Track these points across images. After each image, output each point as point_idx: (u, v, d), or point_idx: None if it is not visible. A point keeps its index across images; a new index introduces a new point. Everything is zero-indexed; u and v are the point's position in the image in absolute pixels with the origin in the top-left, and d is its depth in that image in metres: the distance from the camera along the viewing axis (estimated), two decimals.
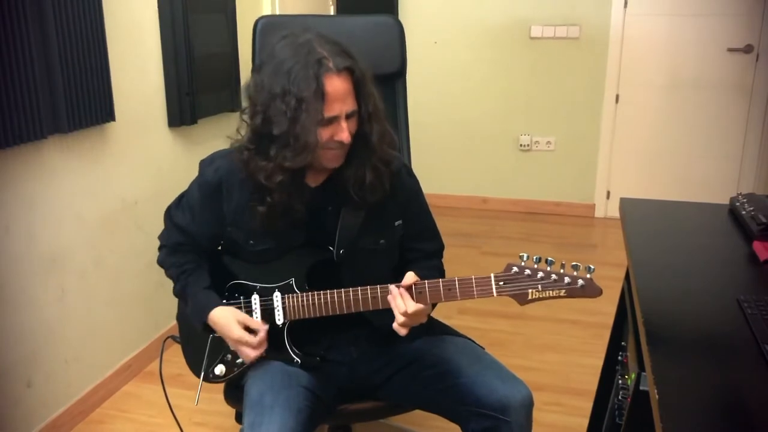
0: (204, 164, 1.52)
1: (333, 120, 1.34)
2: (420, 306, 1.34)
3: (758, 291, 1.27)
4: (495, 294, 1.31)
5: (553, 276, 1.29)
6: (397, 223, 1.54)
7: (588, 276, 1.28)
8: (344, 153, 1.41)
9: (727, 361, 1.05)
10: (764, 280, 1.33)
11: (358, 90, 1.37)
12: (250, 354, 1.44)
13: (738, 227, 1.60)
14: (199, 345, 1.55)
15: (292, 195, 1.40)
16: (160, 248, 1.61)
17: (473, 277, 1.32)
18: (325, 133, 1.35)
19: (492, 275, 1.31)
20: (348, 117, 1.36)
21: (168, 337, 1.67)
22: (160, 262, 1.60)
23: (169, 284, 1.57)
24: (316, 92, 1.30)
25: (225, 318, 1.45)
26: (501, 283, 1.31)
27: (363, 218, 1.48)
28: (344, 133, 1.35)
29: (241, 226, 1.48)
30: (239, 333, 1.43)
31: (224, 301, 1.49)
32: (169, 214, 1.59)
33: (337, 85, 1.32)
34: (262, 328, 1.44)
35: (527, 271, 1.30)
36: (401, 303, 1.34)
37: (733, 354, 1.06)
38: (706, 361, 1.05)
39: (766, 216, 1.52)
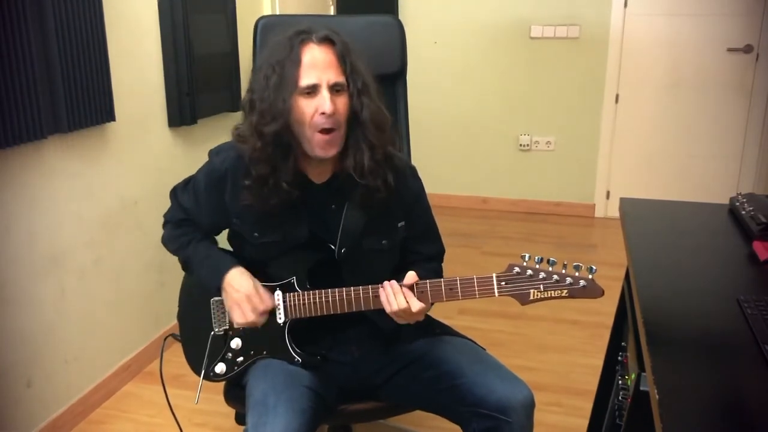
0: (212, 153, 1.53)
1: (314, 90, 1.34)
2: (422, 305, 1.34)
3: (758, 291, 1.27)
4: (497, 294, 1.31)
5: (555, 276, 1.29)
6: (400, 225, 1.54)
7: (590, 276, 1.28)
8: (337, 138, 1.38)
9: (727, 361, 1.05)
10: (764, 280, 1.33)
11: (345, 64, 1.36)
12: (247, 316, 1.43)
13: (738, 227, 1.60)
14: (200, 343, 1.55)
15: (277, 169, 1.39)
16: (164, 225, 1.61)
17: (475, 276, 1.32)
18: (308, 106, 1.34)
19: (494, 275, 1.31)
20: (336, 91, 1.35)
21: (168, 336, 1.67)
22: (164, 239, 1.60)
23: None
24: (291, 58, 1.33)
25: (242, 277, 1.45)
26: (503, 283, 1.31)
27: (366, 218, 1.48)
28: (326, 103, 1.33)
29: (246, 218, 1.48)
30: (254, 291, 1.43)
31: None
32: (175, 193, 1.60)
33: (315, 54, 1.34)
34: (270, 301, 1.45)
35: (529, 272, 1.30)
36: (393, 300, 1.35)
37: (733, 354, 1.06)
38: (706, 361, 1.05)
39: (766, 216, 1.52)
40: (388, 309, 1.36)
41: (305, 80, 1.33)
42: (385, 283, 1.37)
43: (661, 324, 1.15)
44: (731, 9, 3.93)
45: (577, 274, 1.29)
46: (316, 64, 1.33)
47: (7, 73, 1.83)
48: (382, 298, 1.37)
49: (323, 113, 1.34)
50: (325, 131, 1.36)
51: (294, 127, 1.37)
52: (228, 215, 1.51)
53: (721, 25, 3.96)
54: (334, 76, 1.35)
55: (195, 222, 1.57)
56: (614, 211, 4.22)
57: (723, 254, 1.49)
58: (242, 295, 1.44)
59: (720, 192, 3.94)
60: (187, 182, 1.59)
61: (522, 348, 2.75)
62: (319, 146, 1.37)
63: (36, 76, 1.92)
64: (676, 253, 1.49)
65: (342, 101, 1.37)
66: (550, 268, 1.30)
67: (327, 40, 1.35)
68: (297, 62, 1.33)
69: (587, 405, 1.87)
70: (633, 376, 1.29)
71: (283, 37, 1.38)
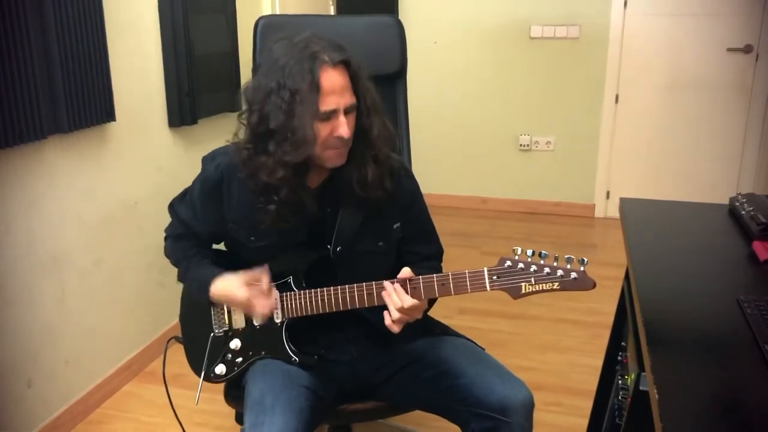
0: (206, 160, 1.53)
1: (331, 114, 1.33)
2: (415, 301, 1.34)
3: (758, 291, 1.27)
4: (488, 288, 1.30)
5: (546, 269, 1.27)
6: (395, 226, 1.53)
7: (581, 268, 1.26)
8: (347, 151, 1.40)
9: (727, 361, 1.05)
10: (764, 280, 1.33)
11: (356, 83, 1.37)
12: (264, 307, 1.43)
13: (738, 227, 1.60)
14: (201, 345, 1.55)
15: (298, 191, 1.40)
16: (165, 239, 1.63)
17: (467, 271, 1.32)
18: (324, 129, 1.34)
19: (485, 269, 1.31)
20: (347, 112, 1.35)
21: (171, 338, 1.67)
22: (166, 252, 1.62)
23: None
24: (311, 85, 1.30)
25: (225, 287, 1.47)
26: (494, 277, 1.30)
27: (361, 220, 1.48)
28: (343, 127, 1.33)
29: (242, 223, 1.48)
30: (244, 294, 1.43)
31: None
32: (173, 207, 1.60)
33: (333, 78, 1.32)
34: (264, 275, 1.43)
35: (520, 265, 1.29)
36: (396, 298, 1.34)
37: (733, 354, 1.06)
38: (706, 361, 1.05)
39: (766, 216, 1.52)
40: (391, 309, 1.36)
41: (325, 107, 1.32)
42: (385, 283, 1.37)
43: (661, 324, 1.15)
44: (731, 9, 3.93)
45: (568, 266, 1.27)
46: (335, 90, 1.32)
47: (7, 73, 1.83)
48: (386, 299, 1.36)
49: (339, 136, 1.34)
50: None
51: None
52: (225, 221, 1.51)
53: (721, 25, 3.96)
54: (349, 98, 1.35)
55: (194, 233, 1.57)
56: (614, 211, 4.22)
57: (723, 254, 1.49)
58: (241, 305, 1.46)
59: (720, 192, 3.94)
60: (184, 194, 1.59)
61: (522, 348, 2.75)
62: (329, 159, 1.39)
63: (36, 76, 1.92)
64: (676, 253, 1.49)
65: (352, 120, 1.38)
66: (542, 261, 1.28)
67: (342, 63, 1.34)
68: (317, 89, 1.30)
69: (587, 405, 1.87)
70: (633, 375, 1.29)
71: (292, 55, 1.33)
